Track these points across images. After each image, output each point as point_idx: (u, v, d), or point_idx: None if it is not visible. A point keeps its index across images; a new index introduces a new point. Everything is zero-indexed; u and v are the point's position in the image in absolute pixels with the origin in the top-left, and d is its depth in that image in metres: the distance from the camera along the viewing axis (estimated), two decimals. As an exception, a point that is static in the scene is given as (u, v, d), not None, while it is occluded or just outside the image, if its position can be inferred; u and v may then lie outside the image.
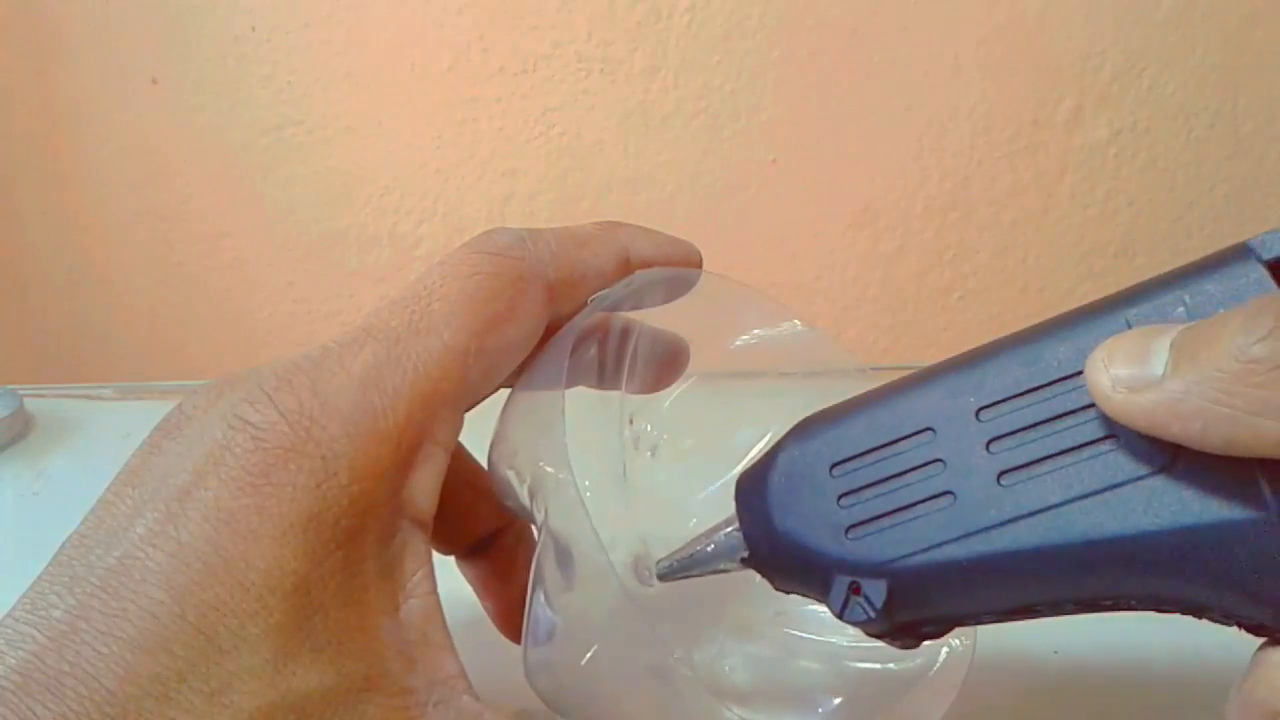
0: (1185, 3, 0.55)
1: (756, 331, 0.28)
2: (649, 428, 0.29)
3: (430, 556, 0.21)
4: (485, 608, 0.27)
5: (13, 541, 0.41)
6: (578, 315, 0.24)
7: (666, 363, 0.28)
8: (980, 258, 0.62)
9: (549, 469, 0.22)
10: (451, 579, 0.22)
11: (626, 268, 0.25)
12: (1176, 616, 0.19)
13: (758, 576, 0.22)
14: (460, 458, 0.26)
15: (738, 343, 0.28)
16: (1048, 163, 0.59)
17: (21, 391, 0.52)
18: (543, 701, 0.23)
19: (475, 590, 0.28)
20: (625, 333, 0.26)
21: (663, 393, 0.28)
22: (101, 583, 0.17)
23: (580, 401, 0.25)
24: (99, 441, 0.49)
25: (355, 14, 0.60)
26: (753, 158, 0.61)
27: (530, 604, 0.23)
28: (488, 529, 0.27)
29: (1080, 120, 0.58)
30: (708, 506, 0.28)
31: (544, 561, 0.22)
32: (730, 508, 0.22)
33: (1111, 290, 0.20)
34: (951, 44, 0.57)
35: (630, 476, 0.28)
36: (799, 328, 0.28)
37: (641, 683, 0.22)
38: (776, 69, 0.58)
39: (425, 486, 0.21)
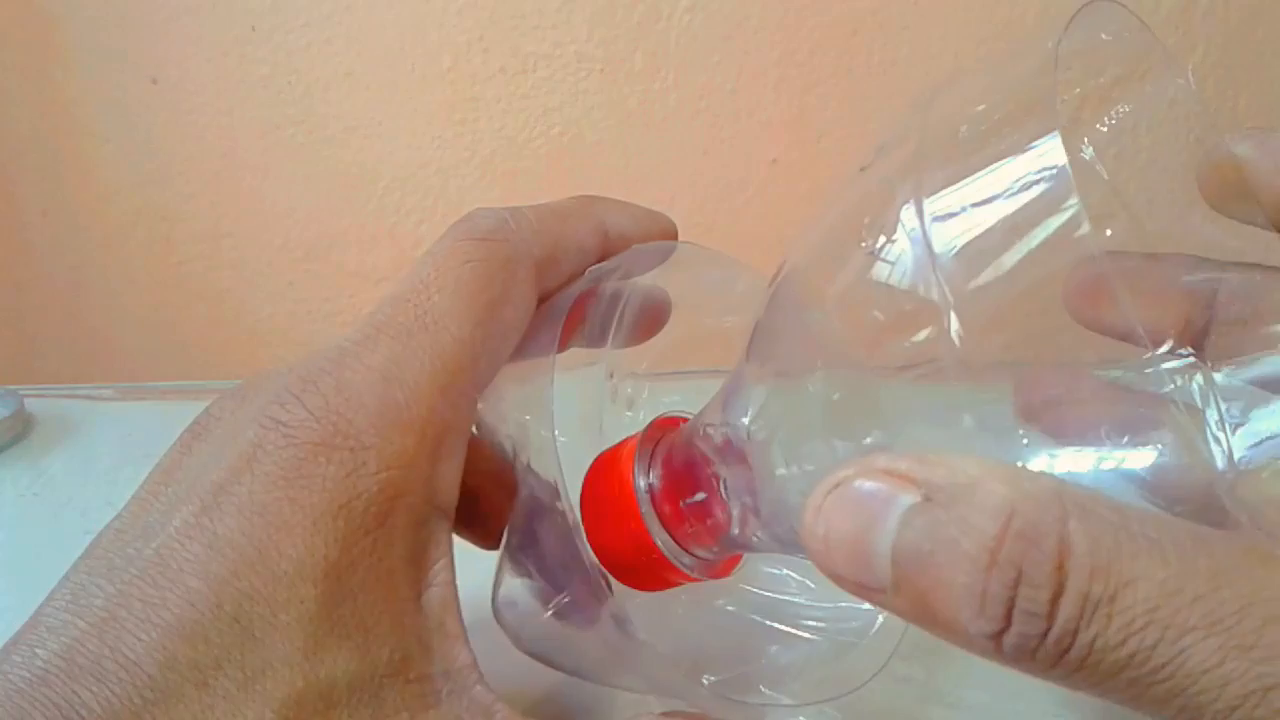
0: (1185, 3, 0.55)
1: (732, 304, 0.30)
2: (629, 388, 0.31)
3: (451, 546, 0.21)
4: None
5: (13, 541, 0.41)
6: (573, 285, 0.25)
7: (649, 315, 0.28)
8: (980, 257, 0.61)
9: (529, 420, 0.23)
10: (464, 575, 0.22)
11: (605, 240, 0.26)
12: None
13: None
14: (484, 452, 0.26)
15: (725, 320, 0.30)
16: (1048, 162, 0.59)
17: (22, 391, 0.52)
18: (506, 635, 0.24)
19: None
20: (615, 296, 0.27)
21: (643, 354, 0.29)
22: (140, 573, 0.18)
23: (569, 361, 0.26)
24: (99, 442, 0.49)
25: (355, 14, 0.60)
26: (753, 158, 0.60)
27: (506, 543, 0.23)
28: None
29: (1080, 119, 0.58)
30: None
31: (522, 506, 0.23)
32: None
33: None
34: (951, 44, 0.57)
35: (605, 429, 0.29)
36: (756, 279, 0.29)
37: (601, 629, 0.22)
38: (776, 69, 0.58)
39: (449, 476, 0.21)
